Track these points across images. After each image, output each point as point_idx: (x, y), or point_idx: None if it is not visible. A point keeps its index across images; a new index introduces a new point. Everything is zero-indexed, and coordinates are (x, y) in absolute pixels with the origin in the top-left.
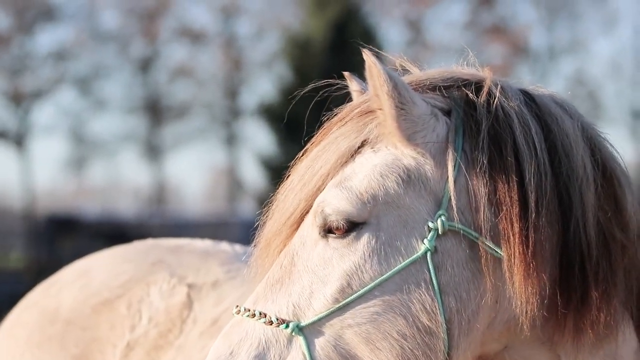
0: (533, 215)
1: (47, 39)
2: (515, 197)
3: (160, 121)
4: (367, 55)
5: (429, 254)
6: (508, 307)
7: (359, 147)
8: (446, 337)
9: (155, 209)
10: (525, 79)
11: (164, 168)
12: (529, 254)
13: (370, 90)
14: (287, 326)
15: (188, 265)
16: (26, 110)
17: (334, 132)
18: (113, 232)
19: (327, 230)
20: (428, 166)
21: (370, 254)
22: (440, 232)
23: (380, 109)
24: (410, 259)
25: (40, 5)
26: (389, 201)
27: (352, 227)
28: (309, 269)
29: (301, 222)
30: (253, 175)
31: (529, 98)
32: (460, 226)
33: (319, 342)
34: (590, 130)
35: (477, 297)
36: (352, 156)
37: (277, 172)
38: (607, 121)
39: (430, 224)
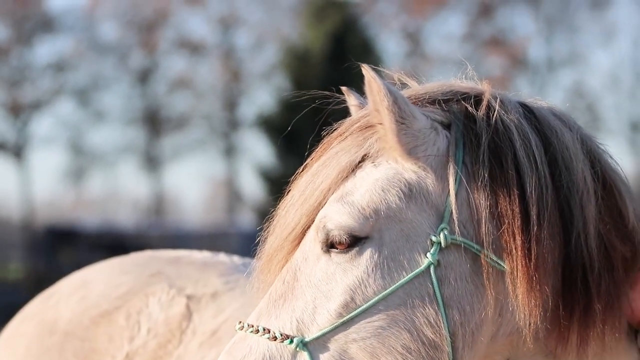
0: (535, 228)
1: (45, 50)
2: (517, 210)
3: (159, 132)
4: (366, 71)
5: (432, 267)
6: (511, 320)
7: (359, 162)
8: (450, 351)
9: (154, 220)
10: (524, 91)
11: (163, 179)
12: (532, 266)
13: (369, 105)
14: (291, 342)
15: (187, 276)
16: (25, 121)
17: (334, 147)
18: (112, 243)
19: (330, 245)
20: (429, 180)
21: (374, 269)
22: (443, 246)
23: (380, 124)
24: (414, 272)
25: (39, 17)
26: (391, 215)
27: (354, 241)
28: (312, 284)
29: (303, 238)
30: (252, 186)
31: (528, 111)
32: (462, 239)
33: (324, 357)
34: (589, 143)
35: (480, 310)
36: (352, 171)
37: (275, 183)
38: (606, 133)
39: (433, 238)
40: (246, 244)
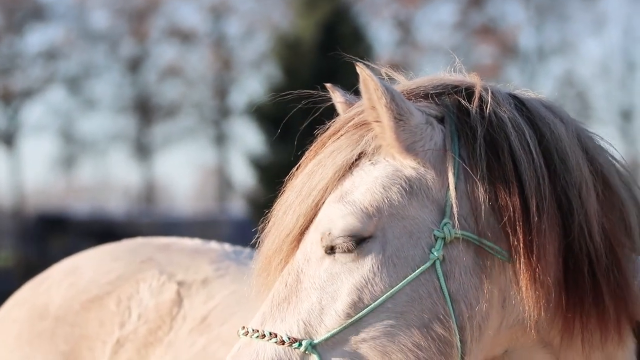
0: (535, 219)
1: (36, 38)
2: (517, 201)
3: (149, 120)
4: (361, 69)
5: (437, 262)
6: (514, 311)
7: (356, 160)
8: (459, 345)
9: (144, 207)
10: (515, 79)
11: (154, 167)
12: (534, 258)
13: (365, 102)
14: (300, 345)
15: (177, 263)
16: (16, 109)
17: (328, 145)
18: (102, 231)
19: (334, 248)
20: (429, 175)
21: (379, 267)
22: (447, 241)
23: (377, 121)
24: (420, 269)
25: (29, 5)
26: (394, 213)
27: (359, 241)
28: (316, 285)
29: (301, 238)
30: (242, 174)
31: (518, 102)
32: (466, 233)
33: (334, 359)
34: (587, 140)
35: (485, 303)
36: (349, 169)
37: (266, 171)
38: (597, 122)
39: (437, 233)
40: (237, 232)
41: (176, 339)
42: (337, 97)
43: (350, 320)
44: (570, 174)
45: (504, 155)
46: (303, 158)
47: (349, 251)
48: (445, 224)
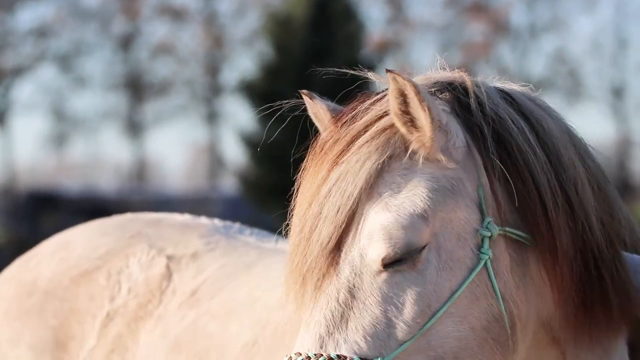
0: (553, 215)
1: (28, 16)
2: (536, 198)
3: (141, 98)
4: (397, 76)
5: (488, 262)
6: (543, 307)
7: (385, 164)
8: (512, 344)
9: (136, 185)
10: (506, 57)
11: (145, 145)
12: (557, 253)
13: (394, 107)
14: None
15: (167, 237)
16: (7, 87)
17: (353, 152)
18: (94, 208)
19: (392, 260)
20: (463, 174)
21: (438, 272)
22: (492, 239)
23: (411, 125)
24: (475, 270)
25: None
26: (443, 216)
27: (418, 250)
28: (377, 299)
29: (337, 251)
30: (234, 152)
31: (507, 96)
32: (509, 229)
33: None
34: (576, 138)
35: (526, 300)
36: (380, 175)
37: (257, 148)
38: (588, 99)
39: (483, 232)
40: (228, 209)
41: (166, 312)
42: (316, 104)
43: (421, 330)
44: (565, 170)
45: (513, 151)
46: (309, 165)
47: (409, 260)
48: (489, 222)
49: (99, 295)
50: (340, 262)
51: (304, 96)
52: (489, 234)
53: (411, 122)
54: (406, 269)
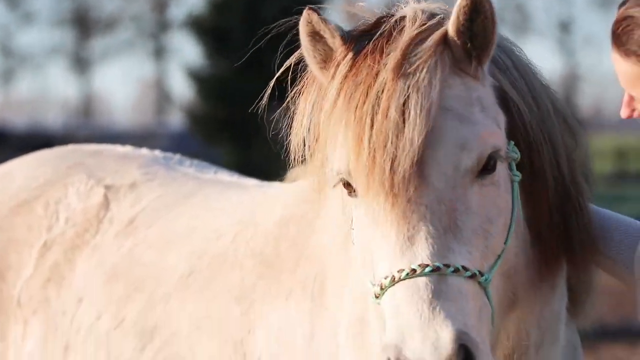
0: (534, 143)
1: None
2: (521, 128)
3: (88, 34)
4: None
5: (515, 184)
6: (519, 231)
7: (445, 79)
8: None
9: (83, 120)
10: None
11: (92, 80)
12: (538, 183)
13: (459, 22)
14: (486, 279)
15: (106, 167)
16: None
17: (416, 64)
18: (40, 144)
19: (483, 169)
20: (492, 93)
21: (505, 184)
22: (516, 162)
23: (460, 40)
24: (515, 190)
25: None
26: (501, 128)
27: (496, 161)
28: (471, 211)
29: (425, 163)
30: (181, 87)
31: None
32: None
33: (495, 284)
34: (536, 69)
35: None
36: (442, 90)
37: (205, 84)
38: (536, 34)
39: (512, 154)
40: (175, 145)
41: (103, 241)
42: (320, 23)
43: (506, 240)
44: (539, 108)
45: (509, 87)
46: (347, 75)
47: (493, 170)
48: (513, 145)
49: (37, 225)
50: (433, 173)
51: (306, 13)
52: (516, 156)
53: (471, 39)
54: (490, 182)
